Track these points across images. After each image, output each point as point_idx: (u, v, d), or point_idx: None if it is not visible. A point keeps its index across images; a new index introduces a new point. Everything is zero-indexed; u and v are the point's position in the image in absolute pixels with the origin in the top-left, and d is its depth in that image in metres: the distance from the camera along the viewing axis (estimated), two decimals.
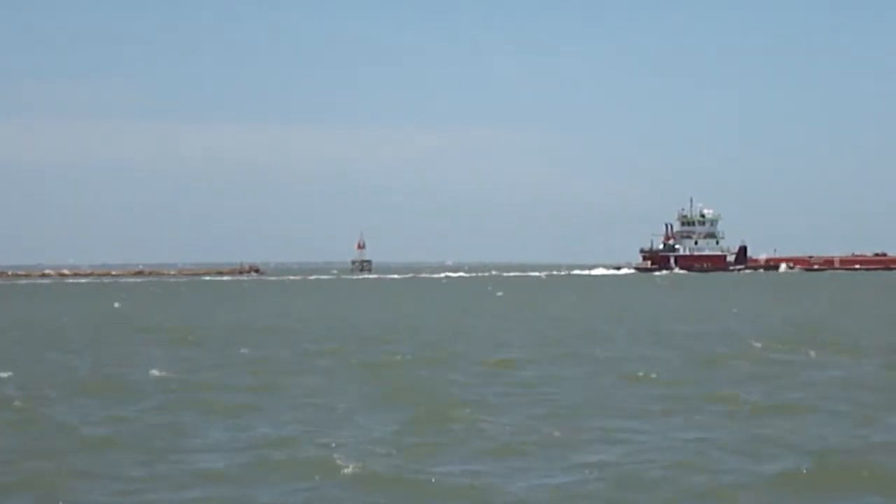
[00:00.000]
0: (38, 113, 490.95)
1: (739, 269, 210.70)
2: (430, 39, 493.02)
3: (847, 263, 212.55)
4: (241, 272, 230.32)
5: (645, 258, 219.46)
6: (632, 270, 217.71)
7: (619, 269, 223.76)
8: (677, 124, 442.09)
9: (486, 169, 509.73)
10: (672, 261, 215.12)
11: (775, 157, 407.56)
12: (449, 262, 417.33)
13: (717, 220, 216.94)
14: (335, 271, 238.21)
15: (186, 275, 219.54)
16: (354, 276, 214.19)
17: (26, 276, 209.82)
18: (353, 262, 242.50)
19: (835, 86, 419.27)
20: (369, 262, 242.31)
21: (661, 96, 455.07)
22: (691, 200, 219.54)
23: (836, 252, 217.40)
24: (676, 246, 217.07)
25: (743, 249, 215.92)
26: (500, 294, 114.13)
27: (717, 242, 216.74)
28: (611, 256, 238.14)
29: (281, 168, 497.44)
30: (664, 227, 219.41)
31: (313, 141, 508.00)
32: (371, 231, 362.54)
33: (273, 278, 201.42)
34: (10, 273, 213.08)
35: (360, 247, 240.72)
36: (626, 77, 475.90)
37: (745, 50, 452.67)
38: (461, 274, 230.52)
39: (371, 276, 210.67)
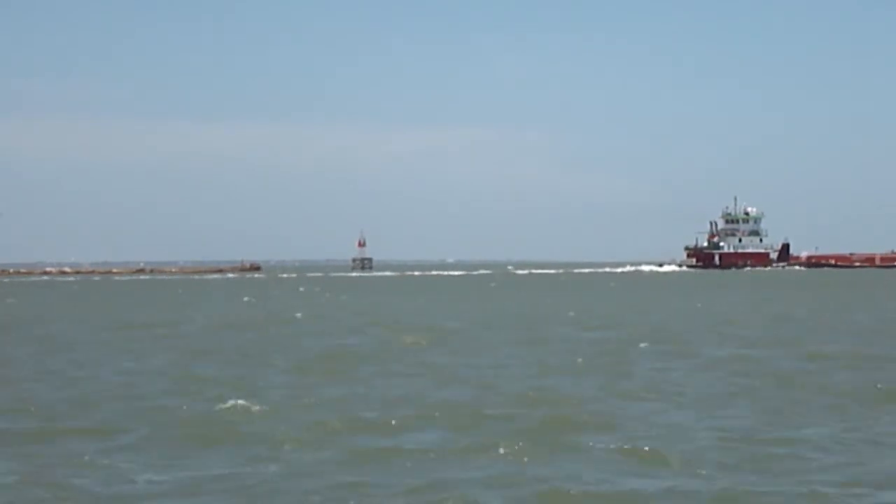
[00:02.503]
0: (38, 111, 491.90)
1: (783, 266, 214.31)
2: (431, 38, 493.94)
3: (887, 261, 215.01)
4: (241, 270, 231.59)
5: (689, 255, 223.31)
6: (676, 268, 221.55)
7: (644, 264, 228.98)
8: (717, 123, 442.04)
9: (487, 167, 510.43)
10: (716, 258, 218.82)
11: (818, 156, 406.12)
12: (450, 260, 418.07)
13: (760, 218, 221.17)
14: (308, 273, 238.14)
15: (187, 273, 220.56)
16: (355, 273, 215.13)
17: (27, 273, 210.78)
18: (354, 260, 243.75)
19: (877, 82, 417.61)
20: (370, 259, 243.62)
21: (700, 96, 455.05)
22: (735, 199, 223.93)
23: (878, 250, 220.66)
24: (721, 244, 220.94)
25: (786, 247, 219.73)
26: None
27: (761, 240, 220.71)
28: (636, 255, 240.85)
29: (282, 166, 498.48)
30: (709, 224, 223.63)
31: (314, 139, 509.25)
32: (372, 229, 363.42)
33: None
34: (11, 271, 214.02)
35: (361, 245, 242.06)
36: (654, 76, 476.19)
37: (784, 49, 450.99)
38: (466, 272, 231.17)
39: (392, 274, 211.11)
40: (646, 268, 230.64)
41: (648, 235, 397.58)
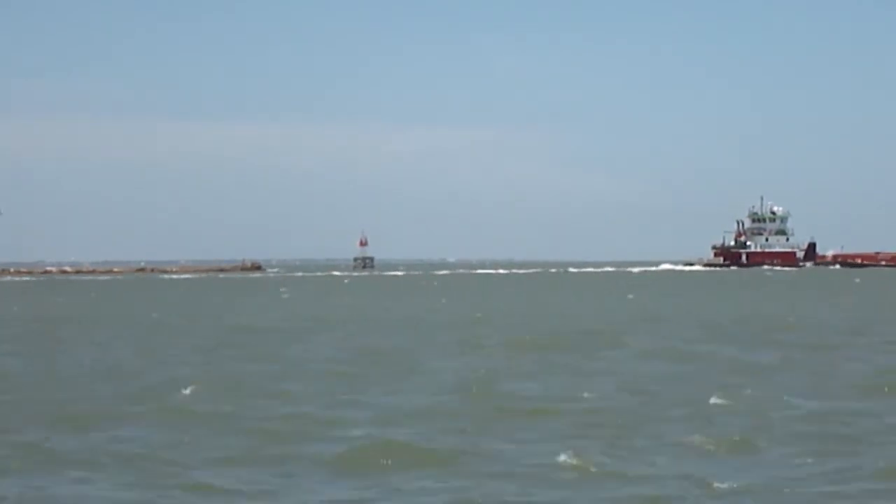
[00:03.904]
0: (38, 110, 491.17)
1: (810, 265, 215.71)
2: (431, 38, 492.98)
3: None
4: (242, 269, 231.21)
5: (717, 254, 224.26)
6: (702, 267, 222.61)
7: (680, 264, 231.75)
8: (748, 122, 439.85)
9: (488, 167, 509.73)
10: (744, 257, 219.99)
11: (845, 154, 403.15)
12: (451, 260, 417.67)
13: (786, 218, 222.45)
14: (274, 273, 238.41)
15: (187, 272, 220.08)
16: (357, 273, 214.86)
17: (28, 273, 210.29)
18: (356, 260, 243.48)
19: None
20: (371, 259, 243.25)
21: (700, 95, 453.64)
22: (762, 198, 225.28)
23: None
24: (748, 243, 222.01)
25: (812, 246, 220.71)
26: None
27: (787, 239, 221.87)
28: (638, 255, 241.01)
29: (284, 165, 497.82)
30: (735, 223, 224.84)
31: (316, 138, 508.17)
32: (374, 229, 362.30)
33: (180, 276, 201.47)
34: (12, 270, 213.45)
35: (363, 244, 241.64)
36: (655, 75, 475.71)
37: (809, 47, 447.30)
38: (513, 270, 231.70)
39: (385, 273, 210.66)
40: (635, 267, 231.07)
41: (653, 235, 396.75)
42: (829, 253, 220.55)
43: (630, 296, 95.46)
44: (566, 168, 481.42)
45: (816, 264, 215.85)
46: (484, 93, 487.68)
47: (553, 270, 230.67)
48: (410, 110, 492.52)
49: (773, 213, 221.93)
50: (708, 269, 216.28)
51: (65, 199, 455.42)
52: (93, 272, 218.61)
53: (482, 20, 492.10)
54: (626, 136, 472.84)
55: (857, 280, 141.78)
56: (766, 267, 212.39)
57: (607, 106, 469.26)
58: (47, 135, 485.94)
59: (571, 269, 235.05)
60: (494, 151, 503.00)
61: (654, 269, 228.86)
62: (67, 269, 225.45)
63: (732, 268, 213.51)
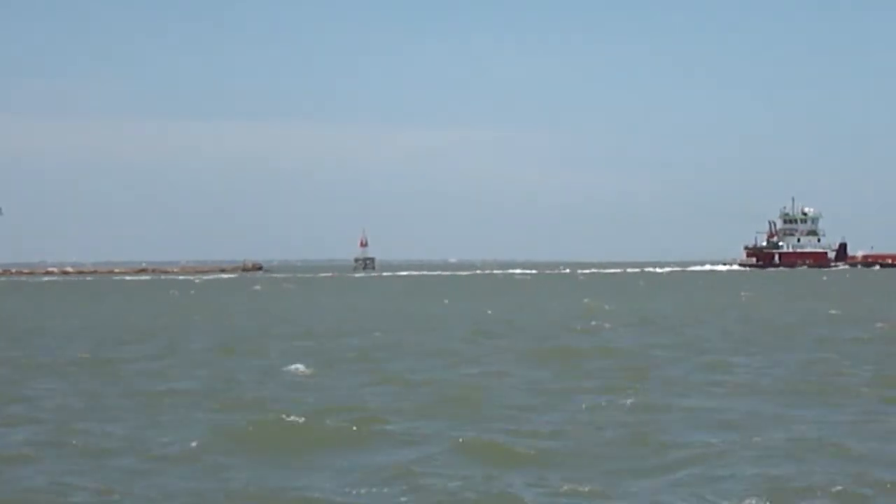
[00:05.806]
0: (39, 111, 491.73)
1: (840, 266, 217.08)
2: (432, 38, 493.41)
3: None
4: (243, 270, 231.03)
5: (749, 255, 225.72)
6: (736, 267, 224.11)
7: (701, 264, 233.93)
8: (777, 122, 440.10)
9: (489, 167, 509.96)
10: (776, 257, 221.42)
11: (875, 155, 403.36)
12: (452, 260, 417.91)
13: (818, 218, 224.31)
14: (264, 273, 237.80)
15: (188, 272, 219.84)
16: (357, 275, 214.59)
17: (30, 273, 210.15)
18: (357, 260, 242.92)
19: None
20: (372, 259, 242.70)
21: (701, 96, 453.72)
22: (793, 199, 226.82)
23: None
24: (780, 243, 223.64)
25: (843, 247, 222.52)
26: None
27: (819, 240, 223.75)
28: (643, 255, 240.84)
29: (285, 166, 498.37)
30: (767, 224, 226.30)
31: (316, 138, 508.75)
32: (375, 229, 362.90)
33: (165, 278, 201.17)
34: (13, 271, 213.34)
35: (363, 244, 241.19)
36: (658, 75, 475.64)
37: (840, 46, 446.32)
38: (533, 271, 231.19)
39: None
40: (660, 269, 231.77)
41: (666, 236, 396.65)
42: (860, 253, 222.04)
43: None
44: (567, 168, 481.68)
45: (848, 265, 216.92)
46: (485, 92, 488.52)
47: (624, 270, 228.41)
48: (410, 110, 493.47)
49: (805, 213, 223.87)
50: (745, 269, 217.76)
51: (65, 199, 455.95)
52: (94, 272, 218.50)
53: (482, 20, 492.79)
54: (628, 136, 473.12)
55: None
56: (801, 267, 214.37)
57: (609, 106, 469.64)
58: (47, 135, 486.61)
59: (652, 271, 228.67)
60: (495, 151, 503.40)
61: (698, 268, 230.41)
62: (69, 269, 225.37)
63: (768, 269, 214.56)
